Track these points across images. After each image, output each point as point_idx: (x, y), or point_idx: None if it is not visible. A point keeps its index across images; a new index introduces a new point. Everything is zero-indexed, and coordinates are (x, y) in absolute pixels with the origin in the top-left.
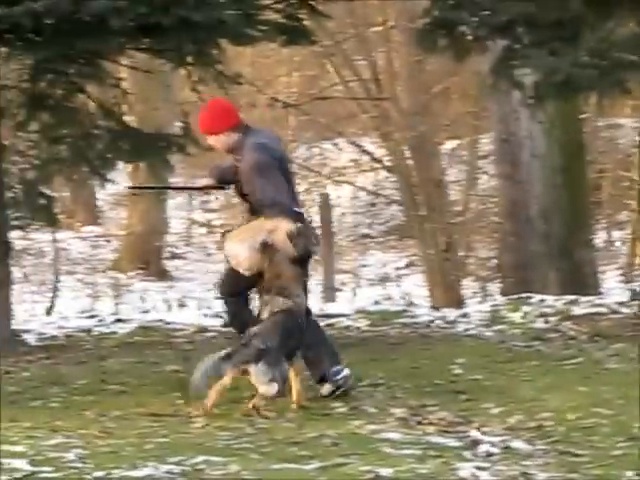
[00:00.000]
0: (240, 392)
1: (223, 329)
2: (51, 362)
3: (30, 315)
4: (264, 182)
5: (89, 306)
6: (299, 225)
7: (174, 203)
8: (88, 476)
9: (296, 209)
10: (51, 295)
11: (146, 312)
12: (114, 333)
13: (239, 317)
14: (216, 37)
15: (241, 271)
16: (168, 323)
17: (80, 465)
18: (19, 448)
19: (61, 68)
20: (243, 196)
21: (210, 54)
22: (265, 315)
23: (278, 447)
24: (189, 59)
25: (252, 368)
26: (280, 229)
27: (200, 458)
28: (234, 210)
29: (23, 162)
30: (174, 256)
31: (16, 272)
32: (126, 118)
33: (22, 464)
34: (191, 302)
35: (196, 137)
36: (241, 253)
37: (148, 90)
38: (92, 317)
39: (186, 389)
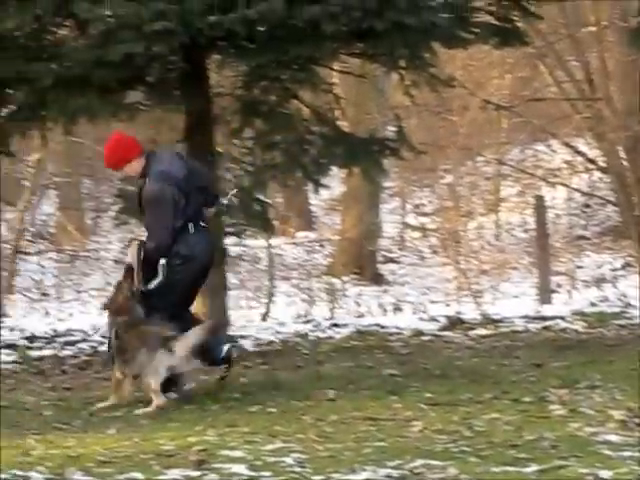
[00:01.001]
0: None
1: (439, 333)
2: (268, 367)
3: (247, 321)
4: (153, 214)
5: (304, 311)
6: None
7: (388, 207)
8: None
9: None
10: (266, 301)
11: (361, 316)
12: (330, 338)
13: None
14: (429, 40)
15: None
16: (384, 327)
17: (299, 469)
18: (238, 453)
19: (275, 74)
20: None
21: (423, 57)
22: None
23: (497, 450)
24: (402, 63)
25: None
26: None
27: (419, 462)
28: (448, 213)
29: (238, 169)
30: (388, 260)
31: (232, 278)
32: (339, 123)
33: (241, 469)
34: (406, 306)
35: (410, 141)
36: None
37: (361, 95)
38: (308, 322)
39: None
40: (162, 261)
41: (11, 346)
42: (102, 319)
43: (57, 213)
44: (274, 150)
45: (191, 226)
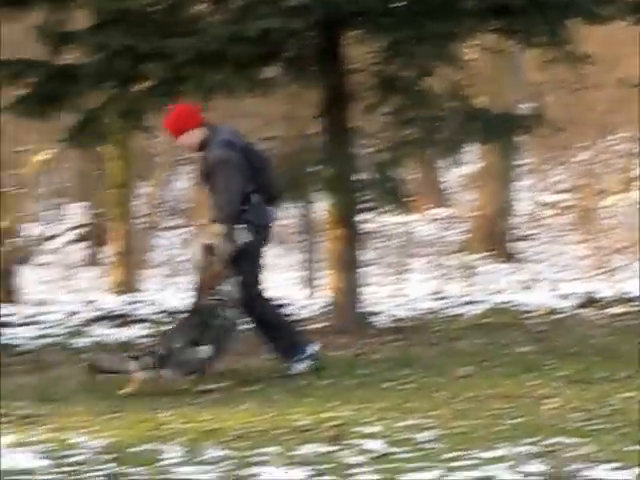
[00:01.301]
0: None
1: (573, 310)
2: (402, 344)
3: (380, 297)
4: (221, 180)
5: (439, 288)
6: (228, 227)
7: (522, 185)
8: (442, 457)
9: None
10: (400, 277)
11: (496, 294)
12: (464, 315)
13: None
14: (567, 17)
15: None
16: (517, 305)
17: (433, 446)
18: (373, 429)
19: (412, 50)
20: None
21: (560, 34)
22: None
23: (633, 428)
24: (539, 39)
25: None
26: (214, 233)
27: (554, 439)
28: (583, 190)
29: (373, 145)
30: (522, 238)
31: (365, 255)
32: (475, 100)
33: (376, 445)
34: (541, 284)
35: (546, 118)
36: (195, 256)
37: (496, 71)
38: (442, 299)
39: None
40: (239, 226)
41: (147, 320)
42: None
43: (192, 189)
44: (410, 126)
45: (255, 197)
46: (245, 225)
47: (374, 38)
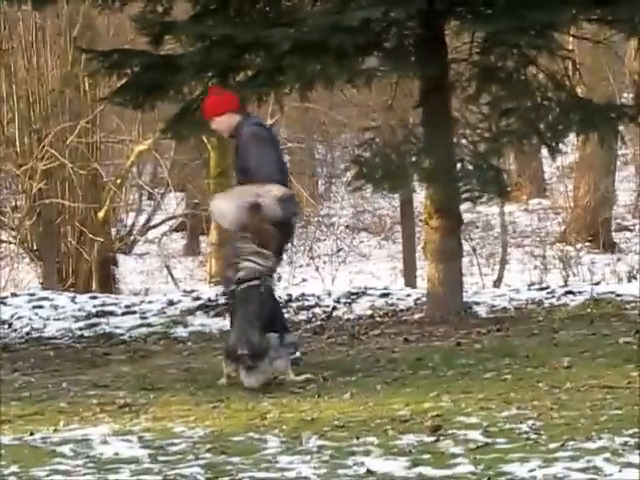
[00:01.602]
0: None
1: None
2: (502, 334)
3: (480, 287)
4: (259, 153)
5: (538, 278)
6: (288, 191)
7: (622, 175)
8: (542, 447)
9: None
10: (499, 267)
11: (596, 284)
12: (565, 305)
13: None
14: None
15: (225, 226)
16: (619, 295)
17: (534, 436)
18: (473, 419)
19: (512, 40)
20: (240, 173)
21: None
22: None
23: None
24: None
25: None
26: (270, 193)
27: None
28: None
29: (474, 135)
30: (622, 228)
31: (465, 245)
32: (576, 89)
33: (476, 435)
34: None
35: None
36: (228, 210)
37: (597, 61)
38: (542, 289)
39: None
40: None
41: None
42: (330, 286)
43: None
44: (510, 116)
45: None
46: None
47: (474, 28)
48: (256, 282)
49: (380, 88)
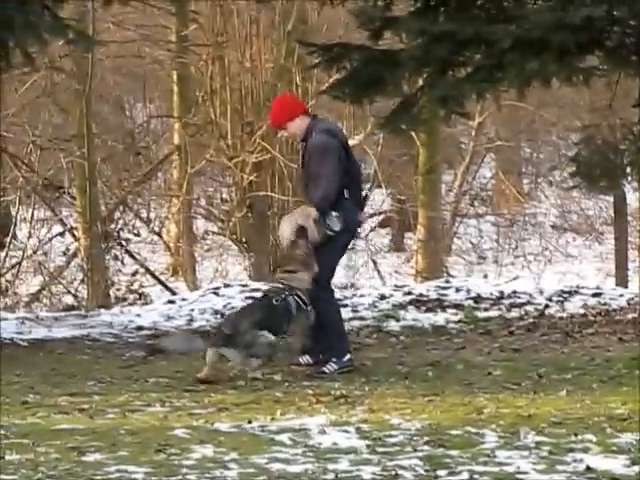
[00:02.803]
0: None
1: None
2: None
3: None
4: (322, 164)
5: None
6: (324, 211)
7: None
8: None
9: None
10: None
11: None
12: None
13: None
14: None
15: (282, 245)
16: None
17: None
18: None
19: None
20: (305, 177)
21: None
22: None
23: None
24: None
25: (224, 351)
26: (310, 215)
27: None
28: None
29: None
30: None
31: None
32: None
33: None
34: None
35: None
36: (285, 232)
37: None
38: None
39: None
40: (334, 213)
41: (458, 306)
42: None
43: (496, 177)
44: None
45: (346, 192)
46: (338, 214)
47: None
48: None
49: (593, 88)
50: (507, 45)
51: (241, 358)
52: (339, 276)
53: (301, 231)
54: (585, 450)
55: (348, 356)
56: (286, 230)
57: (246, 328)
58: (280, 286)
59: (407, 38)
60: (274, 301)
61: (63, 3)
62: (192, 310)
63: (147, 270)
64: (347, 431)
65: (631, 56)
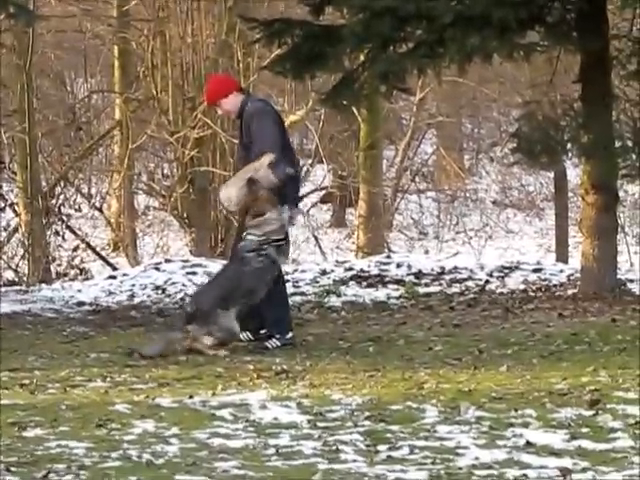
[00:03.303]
0: None
1: None
2: None
3: (629, 266)
4: (261, 127)
5: None
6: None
7: None
8: None
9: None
10: None
11: None
12: None
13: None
14: None
15: (232, 209)
16: None
17: None
18: (632, 395)
19: None
20: (243, 149)
21: None
22: None
23: None
24: None
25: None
26: (263, 163)
27: None
28: None
29: (634, 111)
30: None
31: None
32: None
33: (635, 410)
34: None
35: None
36: (232, 194)
37: None
38: None
39: None
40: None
41: (399, 281)
42: (489, 259)
43: (437, 153)
44: None
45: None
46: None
47: (637, 4)
48: (251, 254)
49: (534, 63)
50: (448, 21)
51: (201, 334)
52: None
53: (251, 182)
54: (525, 425)
55: (291, 334)
56: (231, 192)
57: (209, 306)
58: (254, 238)
59: (348, 14)
60: (258, 261)
61: None
62: (133, 285)
63: (88, 245)
64: (288, 406)
65: (571, 32)
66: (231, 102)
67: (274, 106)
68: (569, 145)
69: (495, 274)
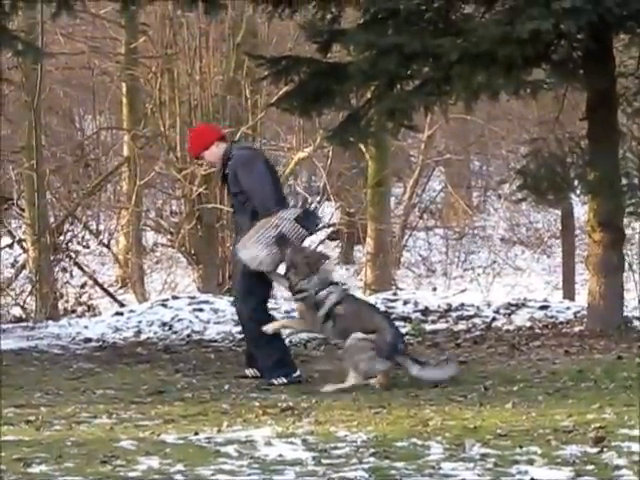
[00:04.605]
0: None
1: None
2: None
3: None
4: (250, 176)
5: None
6: (300, 209)
7: None
8: None
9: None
10: None
11: None
12: None
13: None
14: None
15: (264, 269)
16: None
17: None
18: (636, 432)
19: None
20: (233, 198)
21: None
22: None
23: None
24: None
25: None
26: (285, 219)
27: None
28: None
29: None
30: None
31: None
32: None
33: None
34: None
35: None
36: (259, 253)
37: None
38: None
39: None
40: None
41: (405, 318)
42: (496, 296)
43: (445, 190)
44: None
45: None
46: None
47: None
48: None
49: (541, 101)
50: (454, 58)
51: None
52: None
53: (282, 239)
54: (530, 462)
55: (298, 372)
56: (257, 253)
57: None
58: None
59: (355, 51)
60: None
61: (12, 15)
62: (140, 322)
63: (96, 282)
64: (293, 443)
65: (578, 70)
66: (213, 153)
67: (260, 150)
68: (575, 182)
69: (502, 311)
